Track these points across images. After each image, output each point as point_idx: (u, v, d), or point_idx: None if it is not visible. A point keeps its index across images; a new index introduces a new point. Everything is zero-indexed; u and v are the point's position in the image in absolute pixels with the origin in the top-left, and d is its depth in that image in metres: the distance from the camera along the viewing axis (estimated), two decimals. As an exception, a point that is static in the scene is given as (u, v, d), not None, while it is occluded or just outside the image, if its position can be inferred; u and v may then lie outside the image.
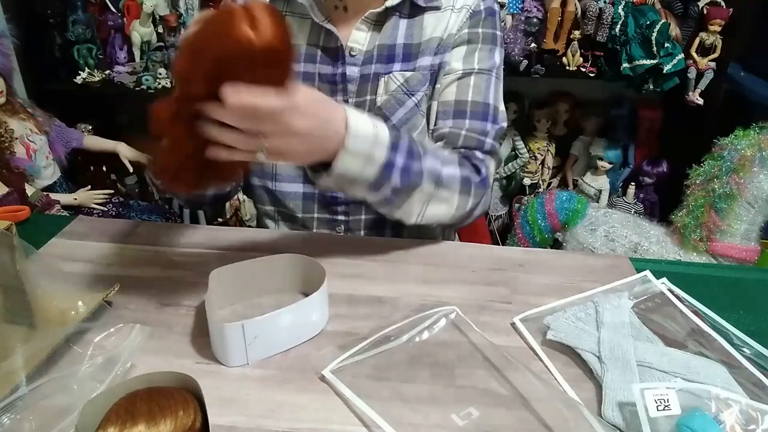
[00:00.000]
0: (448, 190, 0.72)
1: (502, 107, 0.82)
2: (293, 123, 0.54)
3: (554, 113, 2.10)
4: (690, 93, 1.83)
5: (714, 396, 0.48)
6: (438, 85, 0.81)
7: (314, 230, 0.87)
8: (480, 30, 0.80)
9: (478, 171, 0.77)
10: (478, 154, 0.78)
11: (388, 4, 0.76)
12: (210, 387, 0.48)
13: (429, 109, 0.82)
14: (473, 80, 0.79)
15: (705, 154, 1.51)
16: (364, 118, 0.63)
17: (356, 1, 0.77)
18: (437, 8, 0.78)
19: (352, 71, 0.79)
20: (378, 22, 0.78)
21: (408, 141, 0.67)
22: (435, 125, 0.81)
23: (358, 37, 0.78)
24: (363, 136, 0.61)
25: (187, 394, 0.45)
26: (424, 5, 0.77)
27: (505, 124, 0.82)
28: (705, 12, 1.75)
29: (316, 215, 0.87)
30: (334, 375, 0.56)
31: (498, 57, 0.81)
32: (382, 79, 0.79)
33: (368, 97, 0.80)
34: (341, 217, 0.86)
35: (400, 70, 0.79)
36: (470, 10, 0.79)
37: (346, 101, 0.80)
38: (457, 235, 1.04)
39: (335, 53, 0.78)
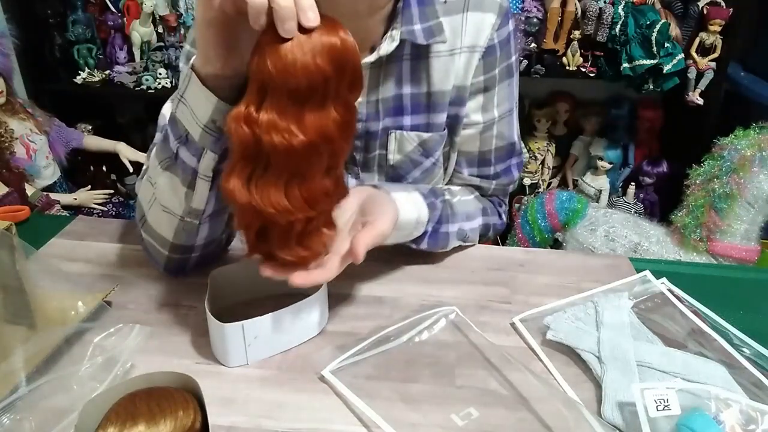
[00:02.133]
0: (471, 239, 0.79)
1: (518, 135, 0.80)
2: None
3: (554, 113, 2.10)
4: (690, 93, 1.83)
5: (714, 396, 0.48)
6: (457, 138, 0.76)
7: None
8: (497, 71, 0.72)
9: (499, 215, 0.83)
10: (502, 195, 0.83)
11: (383, 51, 0.65)
12: (210, 387, 0.48)
13: (446, 156, 0.78)
14: (495, 130, 0.76)
15: (705, 154, 1.51)
16: (409, 207, 0.66)
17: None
18: (442, 42, 0.67)
19: (357, 127, 0.70)
20: (375, 70, 0.68)
21: (440, 210, 0.71)
22: (458, 170, 0.80)
23: None
24: (406, 223, 0.65)
25: (187, 394, 0.45)
26: (425, 42, 0.66)
27: (526, 154, 0.83)
28: (705, 12, 1.75)
29: None
30: (334, 375, 0.56)
31: (515, 88, 0.77)
32: (393, 134, 0.72)
33: (377, 152, 0.74)
34: None
35: (411, 124, 0.72)
36: (483, 50, 0.70)
37: (353, 157, 0.74)
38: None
39: None
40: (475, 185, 0.81)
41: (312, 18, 0.44)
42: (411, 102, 0.71)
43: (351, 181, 0.78)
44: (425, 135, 0.73)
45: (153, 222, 0.66)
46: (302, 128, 0.46)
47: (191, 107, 0.55)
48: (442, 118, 0.73)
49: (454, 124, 0.75)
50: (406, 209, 0.64)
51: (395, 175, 0.76)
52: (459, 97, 0.73)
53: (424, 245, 0.71)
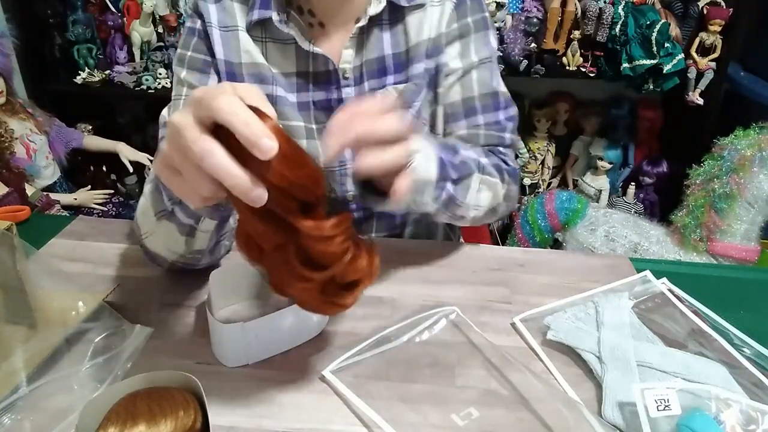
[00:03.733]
0: (490, 175, 0.71)
1: (504, 89, 0.78)
2: None
3: (554, 113, 2.10)
4: (690, 93, 1.83)
5: (714, 396, 0.48)
6: (440, 89, 0.77)
7: None
8: (470, 19, 0.75)
9: (505, 162, 0.77)
10: (501, 149, 0.78)
11: (371, 12, 0.70)
12: (210, 387, 0.48)
13: (434, 114, 0.79)
14: (475, 75, 0.76)
15: (705, 154, 1.51)
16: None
17: (330, 15, 0.72)
18: (420, 6, 0.72)
19: (348, 93, 0.74)
20: (360, 35, 0.72)
21: (441, 140, 0.65)
22: (447, 128, 0.79)
23: (346, 56, 0.72)
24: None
25: (187, 394, 0.45)
26: (406, 4, 0.71)
27: (515, 109, 0.79)
28: (705, 12, 1.76)
29: None
30: (334, 375, 0.56)
31: (493, 40, 0.77)
32: (378, 94, 0.75)
33: None
34: None
35: (394, 83, 0.75)
36: (454, 1, 0.74)
37: None
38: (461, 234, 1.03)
39: (328, 77, 0.73)
40: (463, 135, 0.77)
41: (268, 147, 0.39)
42: (393, 62, 0.74)
43: (346, 152, 0.79)
44: (401, 86, 0.75)
45: (152, 247, 0.66)
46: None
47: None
48: (418, 69, 0.75)
49: (434, 76, 0.76)
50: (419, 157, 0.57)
51: None
52: (435, 48, 0.75)
53: (451, 173, 0.63)
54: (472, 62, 0.76)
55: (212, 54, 0.72)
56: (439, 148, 0.62)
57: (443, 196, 0.63)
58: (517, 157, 2.05)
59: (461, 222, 0.74)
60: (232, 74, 0.73)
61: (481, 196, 0.70)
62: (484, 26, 0.77)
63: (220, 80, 0.73)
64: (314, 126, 0.76)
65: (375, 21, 0.72)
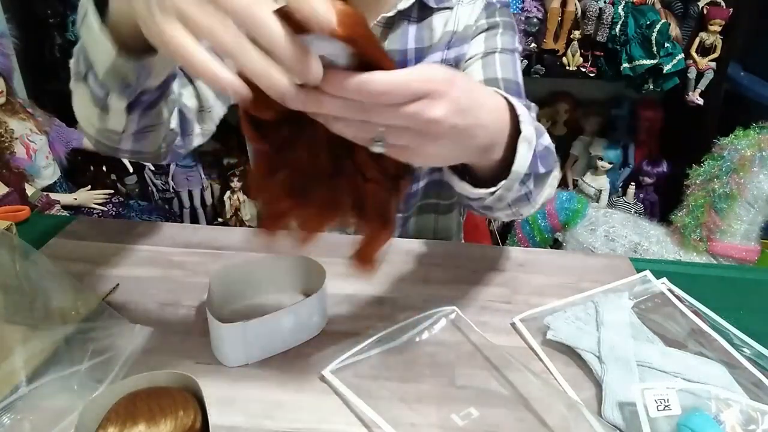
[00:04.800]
0: (557, 163, 0.60)
1: (523, 85, 0.76)
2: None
3: (554, 113, 2.10)
4: (690, 93, 1.83)
5: (714, 396, 0.48)
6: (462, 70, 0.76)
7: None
8: (499, 18, 0.77)
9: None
10: None
11: (400, 6, 0.72)
12: (210, 387, 0.48)
13: None
14: (498, 58, 0.75)
15: (705, 154, 1.51)
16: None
17: (365, 6, 0.73)
18: (449, 8, 0.75)
19: None
20: (387, 27, 0.75)
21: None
22: None
23: None
24: (525, 116, 0.48)
25: (187, 394, 0.45)
26: (435, 6, 0.74)
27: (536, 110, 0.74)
28: (705, 12, 1.76)
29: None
30: (334, 375, 0.56)
31: (518, 44, 0.78)
32: None
33: None
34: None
35: None
36: (486, 1, 0.76)
37: None
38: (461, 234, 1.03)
39: None
40: None
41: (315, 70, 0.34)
42: (415, 56, 0.76)
43: None
44: None
45: (75, 109, 0.58)
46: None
47: (87, 49, 0.46)
48: (434, 59, 0.76)
49: (455, 65, 0.76)
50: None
51: None
52: (459, 39, 0.76)
53: (541, 168, 0.53)
54: (496, 47, 0.75)
55: None
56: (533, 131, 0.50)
57: (522, 192, 0.53)
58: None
59: (507, 217, 0.61)
60: None
61: (547, 193, 0.59)
62: (512, 28, 0.78)
63: None
64: None
65: (403, 15, 0.73)
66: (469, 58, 0.77)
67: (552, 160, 0.57)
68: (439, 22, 0.76)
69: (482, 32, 0.77)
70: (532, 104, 0.72)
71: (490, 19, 0.77)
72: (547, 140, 0.57)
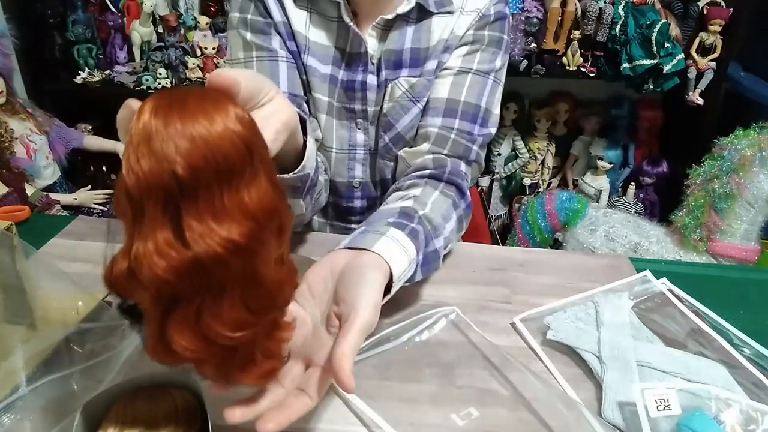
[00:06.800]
0: (454, 240, 0.73)
1: (496, 111, 0.79)
2: None
3: (554, 113, 2.10)
4: (690, 93, 1.83)
5: (714, 396, 0.48)
6: (434, 78, 0.78)
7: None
8: (486, 32, 0.77)
9: (462, 194, 0.74)
10: (463, 167, 0.76)
11: (399, 10, 0.73)
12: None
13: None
14: (469, 80, 0.76)
15: (705, 154, 1.51)
16: (397, 252, 0.54)
17: (368, 8, 0.75)
18: (449, 13, 0.76)
19: (372, 79, 0.77)
20: (385, 29, 0.76)
21: (422, 232, 0.61)
22: (423, 120, 0.78)
23: (370, 44, 0.76)
24: (403, 273, 0.55)
25: (187, 394, 0.45)
26: (434, 11, 0.75)
27: (493, 130, 0.79)
28: (705, 12, 1.76)
29: (329, 222, 0.91)
30: (334, 375, 0.55)
31: (500, 61, 0.78)
32: (389, 85, 0.77)
33: (380, 106, 0.79)
34: (354, 226, 0.86)
35: (407, 76, 0.77)
36: (480, 14, 0.76)
37: (365, 110, 0.79)
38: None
39: (359, 59, 0.76)
40: (433, 133, 0.76)
41: None
42: (410, 56, 0.77)
43: (359, 137, 0.81)
44: (413, 79, 0.77)
45: None
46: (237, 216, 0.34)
47: None
48: (432, 65, 0.77)
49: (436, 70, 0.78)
50: (396, 258, 0.53)
51: (387, 124, 0.79)
52: (447, 47, 0.77)
53: (418, 276, 0.61)
54: (470, 68, 0.77)
55: (270, 16, 0.75)
56: (420, 249, 0.59)
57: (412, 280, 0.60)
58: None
59: None
60: (291, 34, 0.76)
61: (449, 248, 0.72)
62: (497, 45, 0.78)
63: (283, 41, 0.76)
64: (335, 103, 0.79)
65: (402, 17, 0.75)
66: (444, 69, 0.77)
67: (435, 266, 0.65)
68: (438, 26, 0.76)
69: (464, 45, 0.77)
70: (488, 129, 0.78)
71: (479, 32, 0.77)
72: (434, 245, 0.64)
